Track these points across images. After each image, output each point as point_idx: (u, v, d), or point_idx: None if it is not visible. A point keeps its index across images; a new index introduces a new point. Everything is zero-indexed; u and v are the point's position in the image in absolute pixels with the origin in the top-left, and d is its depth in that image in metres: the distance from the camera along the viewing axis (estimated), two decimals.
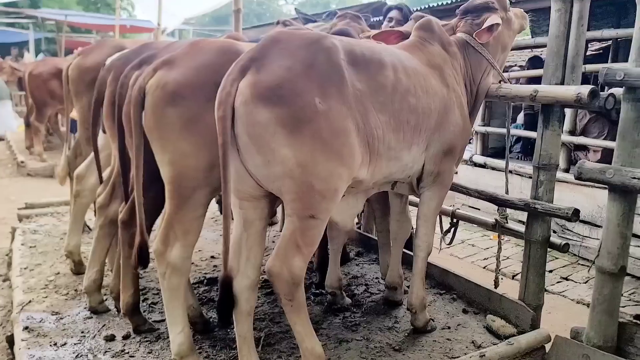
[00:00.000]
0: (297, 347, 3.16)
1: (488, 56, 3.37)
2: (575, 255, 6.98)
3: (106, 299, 3.74)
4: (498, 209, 3.73)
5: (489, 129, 8.48)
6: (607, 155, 7.53)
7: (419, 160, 3.05)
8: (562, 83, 3.24)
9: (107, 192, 3.64)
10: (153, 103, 2.68)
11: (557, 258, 6.97)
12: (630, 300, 5.62)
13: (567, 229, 7.09)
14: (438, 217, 4.29)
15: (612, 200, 2.91)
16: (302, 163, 2.36)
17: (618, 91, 2.92)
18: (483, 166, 8.68)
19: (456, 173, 3.56)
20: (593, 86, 2.89)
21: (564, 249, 3.35)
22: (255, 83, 2.34)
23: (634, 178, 2.71)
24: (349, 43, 2.70)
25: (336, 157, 2.44)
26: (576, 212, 3.09)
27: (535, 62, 9.03)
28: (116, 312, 3.63)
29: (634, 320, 3.10)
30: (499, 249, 3.79)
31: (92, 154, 4.17)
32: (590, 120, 7.67)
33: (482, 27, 3.27)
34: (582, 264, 6.75)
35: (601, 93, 2.92)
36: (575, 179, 3.00)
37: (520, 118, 9.32)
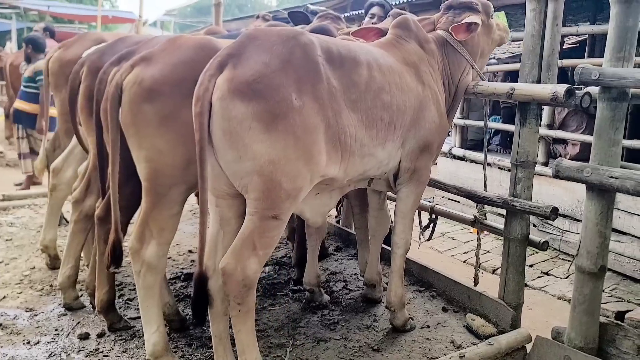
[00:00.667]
0: (274, 345, 3.16)
1: (466, 55, 3.37)
2: (555, 249, 7.03)
3: (81, 295, 3.68)
4: (477, 205, 3.72)
5: (468, 122, 8.49)
6: (585, 149, 7.58)
7: (395, 156, 3.03)
8: (538, 81, 3.25)
9: (82, 186, 3.59)
10: (130, 99, 2.64)
11: (537, 252, 6.99)
12: (611, 296, 5.66)
13: (547, 223, 7.12)
14: (417, 212, 4.29)
15: (590, 199, 2.90)
16: (274, 160, 2.33)
17: (594, 89, 2.91)
18: (462, 159, 8.70)
19: (435, 164, 3.54)
20: (569, 85, 2.88)
21: (543, 247, 3.35)
22: (233, 78, 2.31)
23: (611, 177, 2.70)
24: (325, 40, 2.69)
25: (306, 155, 2.42)
26: (554, 210, 3.08)
27: None
28: (91, 309, 3.57)
29: (615, 321, 3.08)
30: (478, 245, 3.77)
31: (69, 147, 4.15)
32: (569, 113, 7.71)
33: (460, 23, 3.26)
34: (562, 259, 6.79)
35: (577, 91, 2.91)
36: (553, 177, 2.98)
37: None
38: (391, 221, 3.63)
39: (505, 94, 3.17)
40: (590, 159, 2.89)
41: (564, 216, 7.00)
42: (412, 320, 3.46)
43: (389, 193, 3.62)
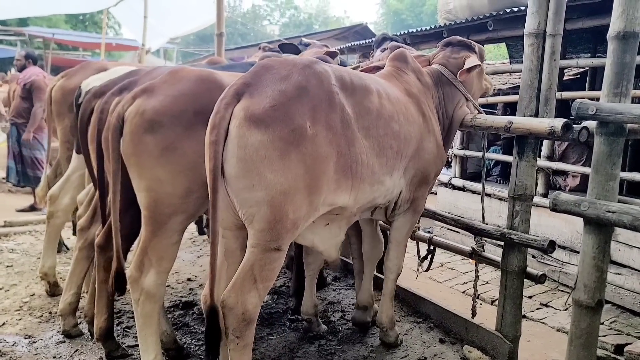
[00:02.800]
0: None
1: (461, 88, 3.45)
2: (555, 281, 7.01)
3: (80, 323, 3.69)
4: (475, 237, 3.75)
5: (468, 153, 8.54)
6: (586, 180, 7.50)
7: (398, 185, 3.08)
8: (536, 115, 3.29)
9: (89, 214, 3.61)
10: (131, 130, 2.69)
11: (536, 284, 6.98)
12: (611, 329, 5.63)
13: (547, 255, 7.11)
14: (415, 243, 4.32)
15: (587, 233, 2.92)
16: (285, 190, 2.32)
17: (591, 124, 2.95)
18: (462, 189, 8.72)
19: (435, 193, 3.58)
20: (566, 120, 2.92)
21: (540, 280, 3.37)
22: (250, 106, 2.32)
23: (609, 212, 2.73)
24: (338, 69, 2.73)
25: (313, 185, 2.43)
26: (552, 243, 3.11)
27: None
28: (89, 337, 3.58)
29: (613, 355, 3.09)
30: (476, 276, 3.80)
31: (66, 174, 4.19)
32: (569, 145, 7.75)
33: (464, 68, 3.36)
34: (562, 290, 6.77)
35: (575, 126, 2.96)
36: (551, 210, 3.01)
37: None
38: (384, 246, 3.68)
39: (503, 127, 3.21)
40: (588, 193, 2.92)
41: (564, 248, 7.01)
42: (401, 336, 3.58)
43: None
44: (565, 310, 6.23)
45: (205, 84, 2.75)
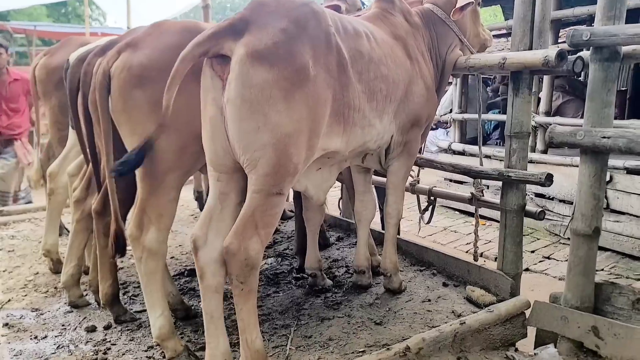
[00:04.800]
0: (279, 326, 3.18)
1: (455, 28, 3.41)
2: (556, 235, 7.06)
3: (86, 294, 3.70)
4: (474, 182, 3.76)
5: (467, 116, 8.54)
6: None
7: (389, 130, 3.08)
8: (530, 49, 3.26)
9: (83, 186, 3.59)
10: (119, 86, 2.66)
11: (539, 239, 7.04)
12: (611, 274, 5.70)
13: (548, 210, 7.15)
14: (416, 197, 4.34)
15: (583, 163, 2.94)
16: (290, 133, 2.27)
17: (586, 54, 2.95)
18: (462, 153, 8.74)
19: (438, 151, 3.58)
20: (560, 48, 2.90)
21: (539, 216, 3.38)
22: (251, 42, 2.23)
23: (604, 137, 2.74)
24: (329, 11, 2.68)
25: (315, 128, 2.41)
26: (549, 176, 3.12)
27: None
28: (96, 306, 3.59)
29: (611, 280, 3.12)
30: (477, 222, 3.81)
31: (64, 151, 4.18)
32: (565, 102, 7.77)
33: (457, 6, 3.32)
34: (563, 243, 6.82)
35: (569, 57, 2.95)
36: (547, 145, 3.03)
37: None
38: (376, 206, 3.70)
39: (497, 64, 3.18)
40: (583, 122, 2.93)
41: (564, 202, 7.05)
42: (405, 282, 3.60)
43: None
44: (567, 261, 6.25)
45: (191, 34, 2.68)
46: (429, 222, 4.23)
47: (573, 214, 3.03)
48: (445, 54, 3.45)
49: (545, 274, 5.97)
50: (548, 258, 6.42)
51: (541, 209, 3.39)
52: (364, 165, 3.42)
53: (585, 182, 2.93)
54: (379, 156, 3.32)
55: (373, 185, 3.83)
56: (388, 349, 2.71)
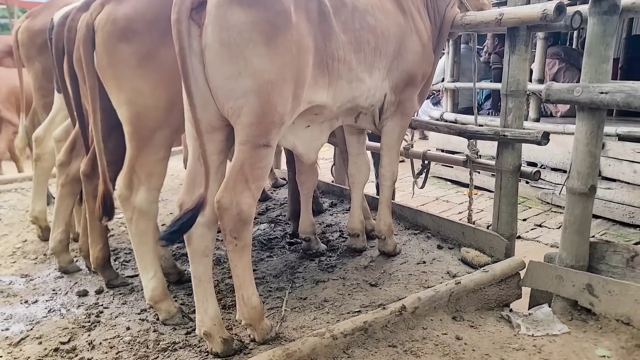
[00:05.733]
0: (274, 289, 3.16)
1: None
2: (548, 203, 7.06)
3: (76, 260, 3.65)
4: (468, 145, 3.72)
5: (459, 85, 8.46)
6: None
7: (381, 87, 3.02)
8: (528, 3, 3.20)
9: (67, 149, 3.50)
10: (104, 40, 2.56)
11: (530, 207, 7.05)
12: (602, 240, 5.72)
13: (540, 178, 7.13)
14: (410, 161, 4.30)
15: (580, 120, 2.89)
16: (272, 79, 2.20)
17: (584, 8, 2.88)
18: (454, 123, 8.67)
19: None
20: (559, 1, 2.83)
21: (534, 176, 3.35)
22: None
23: (602, 93, 2.69)
24: None
25: (299, 76, 2.34)
26: (546, 135, 3.08)
27: None
28: (88, 271, 3.55)
29: (606, 239, 3.10)
30: (471, 185, 3.79)
31: (50, 115, 4.08)
32: (560, 69, 7.72)
33: None
34: (555, 211, 6.83)
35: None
36: (544, 102, 2.98)
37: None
38: (371, 168, 3.66)
39: (494, 20, 3.10)
40: (581, 79, 2.87)
41: (556, 170, 7.04)
42: (399, 245, 3.60)
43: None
44: (558, 228, 6.29)
45: None
46: (422, 186, 4.20)
47: (569, 172, 3.00)
48: (445, 11, 3.37)
49: (537, 241, 5.97)
50: (540, 226, 6.42)
51: (537, 170, 3.36)
52: (357, 126, 3.36)
53: (582, 140, 2.89)
54: (373, 116, 3.25)
55: (369, 151, 3.77)
56: (384, 308, 2.69)
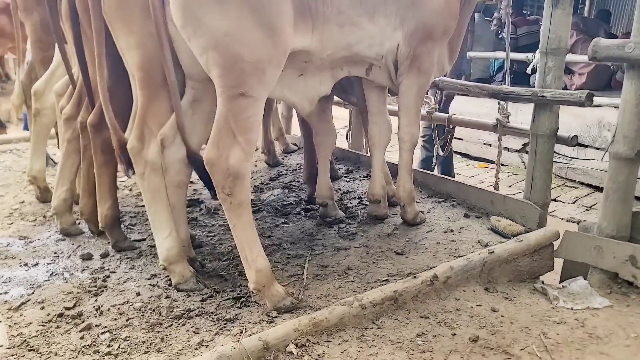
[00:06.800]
0: (292, 256, 2.96)
1: None
2: (562, 177, 6.88)
3: (79, 223, 3.44)
4: (499, 109, 3.50)
5: (472, 54, 8.18)
6: (593, 78, 7.37)
7: (391, 37, 2.83)
8: None
9: (74, 102, 3.29)
10: None
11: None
12: None
13: (555, 152, 6.93)
14: (433, 126, 4.08)
15: (630, 79, 2.67)
16: (228, 32, 2.15)
17: None
18: (466, 94, 8.43)
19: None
20: None
21: (572, 142, 3.14)
22: None
23: None
24: None
25: (267, 23, 2.22)
26: (590, 96, 2.86)
27: None
28: (91, 235, 3.34)
29: None
30: (499, 152, 3.57)
31: (51, 68, 3.84)
32: (578, 41, 7.47)
33: None
34: (569, 186, 6.67)
35: None
36: (590, 59, 2.75)
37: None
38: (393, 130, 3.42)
39: None
40: (632, 34, 2.64)
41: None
42: (423, 213, 3.39)
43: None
44: (573, 203, 6.14)
45: None
46: (446, 153, 3.99)
47: (614, 136, 2.78)
48: None
49: (553, 215, 5.79)
50: (554, 200, 6.24)
51: (574, 135, 3.14)
52: (369, 79, 3.12)
53: (630, 101, 2.67)
54: (388, 70, 3.03)
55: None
56: (415, 277, 2.50)
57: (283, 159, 5.14)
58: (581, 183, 6.63)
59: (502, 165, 7.70)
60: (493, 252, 2.72)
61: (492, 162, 7.68)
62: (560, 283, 2.90)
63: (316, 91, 2.87)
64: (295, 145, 5.37)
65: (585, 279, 2.82)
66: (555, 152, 6.59)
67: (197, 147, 2.63)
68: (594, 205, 5.92)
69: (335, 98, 3.99)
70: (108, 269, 2.88)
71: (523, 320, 2.43)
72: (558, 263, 3.04)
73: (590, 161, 6.48)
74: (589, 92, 2.86)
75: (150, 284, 2.68)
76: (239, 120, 2.24)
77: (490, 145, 7.82)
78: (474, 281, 2.65)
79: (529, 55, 7.16)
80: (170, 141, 2.50)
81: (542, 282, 2.86)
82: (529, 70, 7.20)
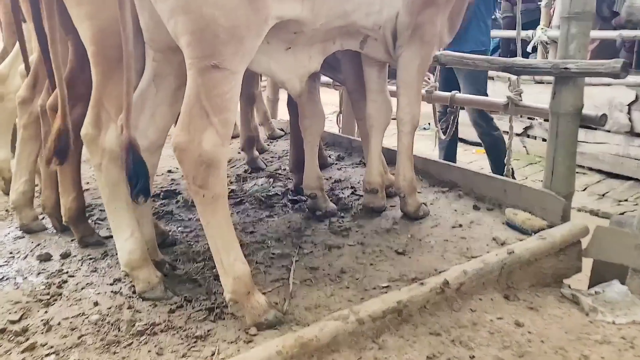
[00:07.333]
0: (277, 256, 2.59)
1: None
2: None
3: (42, 218, 3.08)
4: (509, 86, 3.11)
5: None
6: (596, 55, 6.97)
7: (390, 3, 2.52)
8: None
9: (29, 83, 2.97)
10: None
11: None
12: (637, 204, 5.19)
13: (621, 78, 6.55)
14: (433, 107, 3.70)
15: None
16: None
17: None
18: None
19: None
20: None
21: (600, 121, 2.75)
22: None
23: None
24: None
25: None
26: (626, 66, 2.46)
27: None
28: (54, 232, 2.99)
29: None
30: (511, 134, 3.19)
31: (15, 49, 3.48)
32: None
33: None
34: (579, 172, 6.27)
35: None
36: (625, 22, 2.37)
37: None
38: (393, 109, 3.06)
39: None
40: None
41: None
42: (426, 205, 3.03)
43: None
44: (584, 190, 5.78)
45: None
46: (447, 136, 3.60)
47: None
48: None
49: None
50: None
51: (603, 113, 2.75)
52: (364, 53, 2.78)
53: None
54: (385, 42, 2.69)
55: None
56: (422, 283, 2.11)
57: (268, 145, 4.75)
58: (590, 169, 6.25)
59: None
60: (513, 252, 2.34)
61: None
62: (590, 288, 2.50)
63: (306, 68, 2.54)
64: (282, 130, 4.97)
65: (623, 284, 2.43)
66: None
67: (162, 133, 2.29)
68: (607, 192, 5.56)
69: (323, 79, 3.61)
70: (67, 272, 2.53)
71: (556, 338, 2.03)
72: (586, 264, 2.65)
73: (600, 145, 6.09)
74: (624, 61, 2.47)
75: (112, 291, 2.31)
76: (212, 97, 1.93)
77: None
78: (491, 287, 2.26)
79: (529, 32, 6.85)
80: (134, 128, 2.15)
81: (570, 287, 2.47)
82: (529, 49, 6.90)
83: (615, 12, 7.36)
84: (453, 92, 3.51)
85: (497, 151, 4.59)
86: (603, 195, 5.58)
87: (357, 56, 2.99)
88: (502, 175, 3.26)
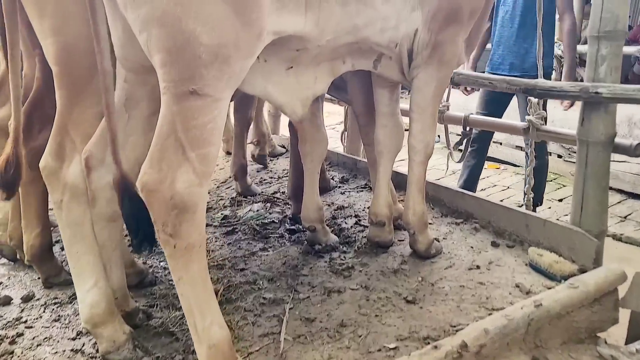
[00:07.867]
0: (269, 302, 2.28)
1: None
2: None
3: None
4: (530, 108, 2.79)
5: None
6: None
7: (408, 20, 2.24)
8: None
9: None
10: None
11: (565, 185, 6.17)
12: None
13: (573, 152, 6.22)
14: (444, 127, 3.39)
15: None
16: (179, 1, 1.53)
17: None
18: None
19: None
20: None
21: (636, 151, 2.42)
22: None
23: None
24: None
25: None
26: None
27: None
28: (21, 265, 2.68)
29: None
30: (531, 160, 2.86)
31: None
32: None
33: None
34: None
35: None
36: None
37: None
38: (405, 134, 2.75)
39: None
40: None
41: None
42: (438, 241, 2.71)
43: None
44: None
45: None
46: (461, 160, 3.28)
47: None
48: None
49: None
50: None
51: (638, 142, 2.42)
52: (377, 73, 2.48)
53: None
54: (401, 61, 2.40)
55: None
56: (435, 347, 1.78)
57: (269, 162, 4.44)
58: (610, 188, 5.90)
59: (511, 164, 7.05)
60: (540, 304, 1.99)
61: (504, 162, 7.00)
62: (629, 344, 2.16)
63: (310, 90, 2.24)
64: (284, 147, 4.66)
65: None
66: (574, 152, 5.98)
67: (134, 167, 1.96)
68: (630, 215, 5.20)
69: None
70: (25, 321, 2.22)
71: None
72: (623, 314, 2.31)
73: (620, 163, 5.74)
74: None
75: (72, 350, 2.00)
76: (190, 129, 1.62)
77: (501, 143, 7.11)
78: (516, 348, 1.91)
79: None
80: (98, 160, 1.90)
81: (606, 343, 2.12)
82: None
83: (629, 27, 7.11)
84: (468, 113, 3.19)
85: (540, 175, 4.25)
86: (625, 217, 5.23)
87: (366, 75, 2.70)
88: (540, 201, 2.92)
